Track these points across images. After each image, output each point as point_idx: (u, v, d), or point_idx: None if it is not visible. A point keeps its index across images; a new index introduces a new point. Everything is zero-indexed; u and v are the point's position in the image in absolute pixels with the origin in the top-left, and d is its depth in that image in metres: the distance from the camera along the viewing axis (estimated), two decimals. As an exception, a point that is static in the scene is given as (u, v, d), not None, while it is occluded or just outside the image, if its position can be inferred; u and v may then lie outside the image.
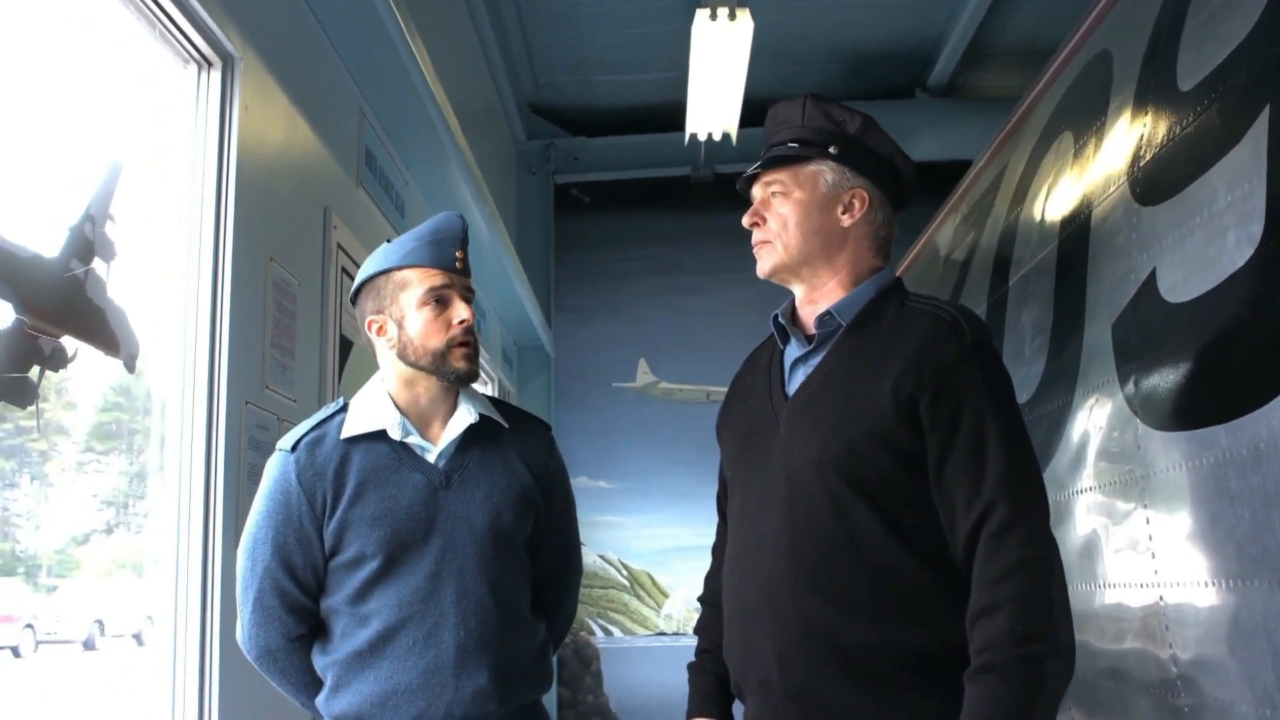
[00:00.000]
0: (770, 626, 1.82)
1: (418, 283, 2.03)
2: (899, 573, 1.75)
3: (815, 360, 1.90)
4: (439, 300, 2.03)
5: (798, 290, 1.98)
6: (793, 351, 1.95)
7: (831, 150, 1.91)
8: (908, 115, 7.53)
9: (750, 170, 1.98)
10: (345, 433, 2.04)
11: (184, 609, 2.58)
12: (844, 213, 1.91)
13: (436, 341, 2.02)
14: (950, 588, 1.74)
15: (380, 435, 2.04)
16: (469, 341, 2.05)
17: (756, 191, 1.98)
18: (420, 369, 2.04)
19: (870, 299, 1.90)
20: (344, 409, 2.10)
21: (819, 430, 1.82)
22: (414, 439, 2.05)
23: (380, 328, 2.07)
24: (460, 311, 2.04)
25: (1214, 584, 1.88)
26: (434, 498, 2.02)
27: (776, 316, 1.99)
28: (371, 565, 1.98)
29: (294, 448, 2.05)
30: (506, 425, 2.15)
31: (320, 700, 2.04)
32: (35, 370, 2.14)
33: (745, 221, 1.97)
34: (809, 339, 1.93)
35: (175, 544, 2.60)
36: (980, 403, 1.74)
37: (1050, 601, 1.66)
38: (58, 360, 2.20)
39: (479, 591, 2.00)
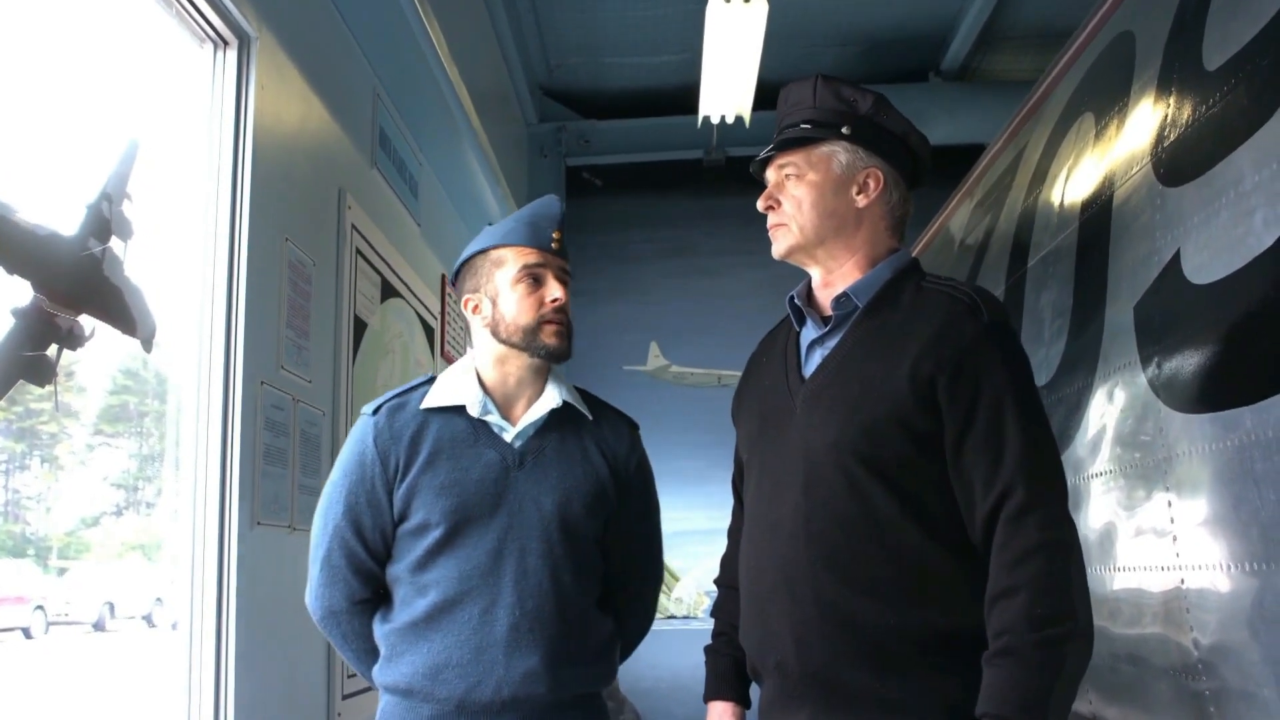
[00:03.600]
0: (788, 608, 1.82)
1: (513, 260, 2.04)
2: (917, 554, 1.75)
3: (832, 342, 1.89)
4: (533, 278, 2.04)
5: (814, 272, 1.97)
6: (809, 333, 1.94)
7: (844, 130, 1.90)
8: (921, 99, 7.49)
9: (763, 153, 1.97)
10: (426, 403, 2.06)
11: (200, 589, 2.59)
12: (859, 193, 1.90)
13: (528, 319, 2.03)
14: (969, 569, 1.74)
15: (461, 410, 2.05)
16: (561, 320, 2.06)
17: (770, 174, 1.97)
18: (512, 346, 2.05)
19: (887, 280, 1.89)
20: (430, 381, 2.12)
21: (836, 412, 1.81)
22: (493, 417, 2.05)
23: (476, 306, 2.08)
24: (554, 290, 2.04)
25: (1237, 567, 1.87)
26: (505, 476, 2.02)
27: (792, 298, 1.98)
28: (435, 534, 1.99)
29: (375, 411, 2.07)
30: (590, 416, 2.15)
31: (375, 670, 2.06)
32: (53, 349, 2.14)
33: (760, 205, 1.96)
34: (825, 320, 1.92)
35: (191, 524, 2.60)
36: (999, 384, 1.73)
37: (1069, 584, 1.65)
38: (75, 339, 2.20)
39: (539, 575, 2.00)
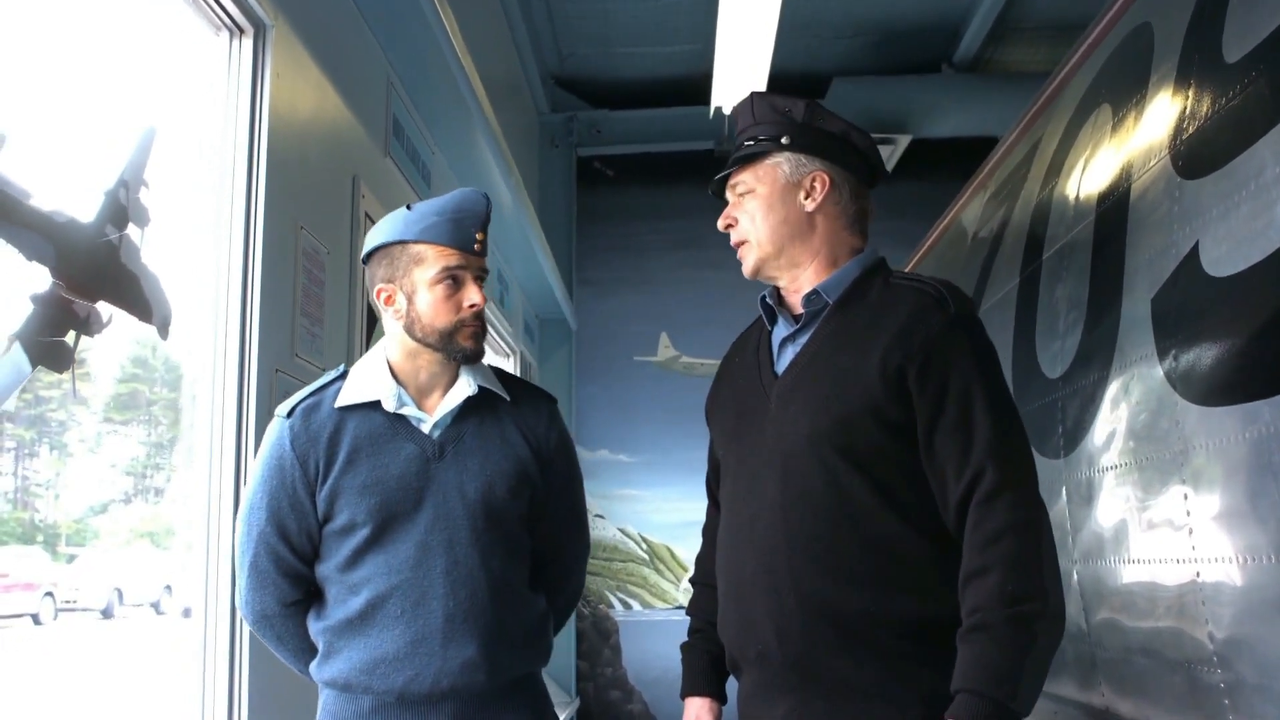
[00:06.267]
0: (768, 599, 1.86)
1: (433, 260, 2.01)
2: (895, 542, 1.80)
3: (803, 338, 1.96)
4: (452, 280, 2.02)
5: (782, 282, 2.03)
6: (780, 331, 2.01)
7: (784, 140, 1.97)
8: (934, 91, 7.48)
9: (717, 177, 2.05)
10: (340, 401, 2.04)
11: (214, 576, 2.59)
12: (806, 197, 1.97)
13: (444, 322, 2.02)
14: (945, 556, 1.79)
15: (376, 405, 2.04)
16: (477, 324, 2.05)
17: (728, 195, 2.05)
18: (426, 345, 2.04)
19: (855, 277, 1.96)
20: (343, 376, 2.10)
21: (811, 406, 1.87)
22: (409, 410, 2.04)
23: (389, 297, 2.05)
24: (472, 295, 2.03)
25: (1254, 560, 1.87)
26: (426, 468, 2.02)
27: (764, 297, 2.05)
28: (362, 533, 1.99)
29: (290, 414, 2.05)
30: (507, 398, 2.15)
31: (313, 667, 2.06)
32: (71, 335, 2.15)
33: (720, 225, 2.05)
34: (796, 318, 1.98)
35: (206, 511, 2.61)
36: (966, 372, 1.80)
37: (1040, 563, 1.71)
38: (93, 325, 2.21)
39: (470, 563, 2.00)
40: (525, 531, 2.13)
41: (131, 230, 2.33)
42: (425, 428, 2.05)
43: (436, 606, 1.98)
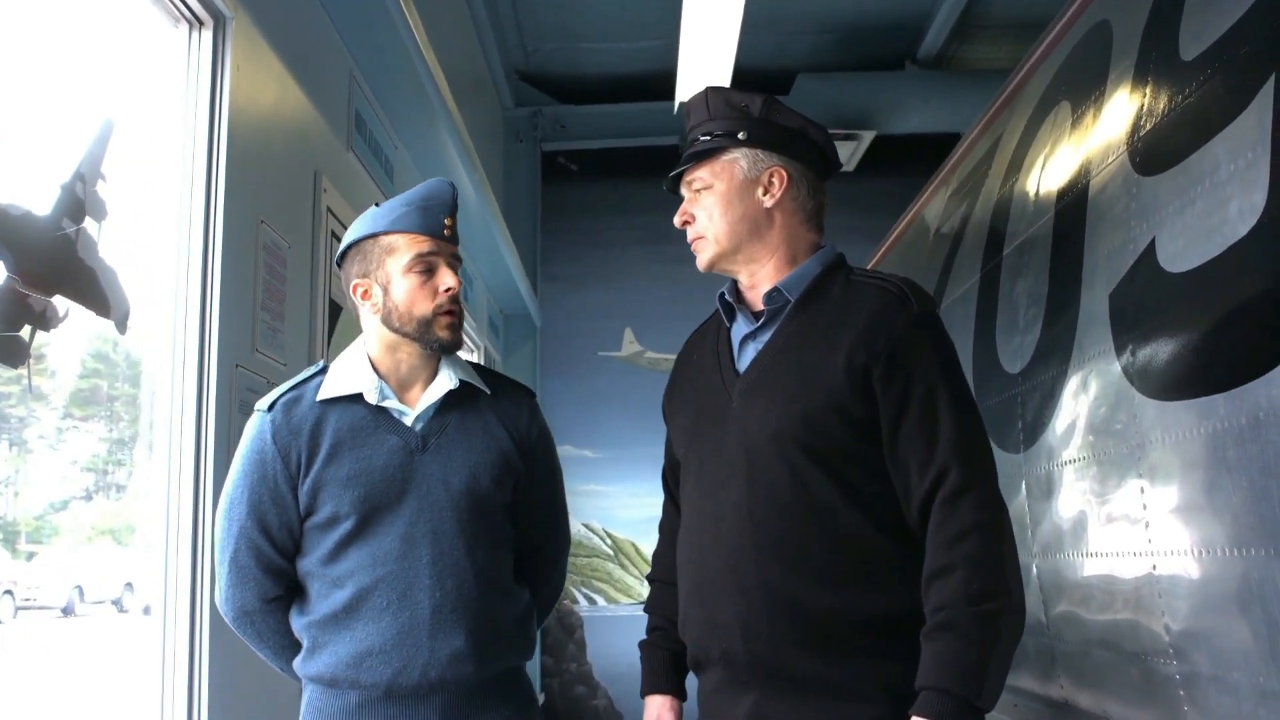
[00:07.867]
0: (734, 597, 1.87)
1: (405, 249, 2.02)
2: (859, 540, 1.82)
3: (765, 336, 1.96)
4: (426, 267, 2.02)
5: (740, 277, 2.03)
6: (741, 328, 2.01)
7: (740, 136, 1.96)
8: (897, 87, 7.51)
9: (672, 173, 2.05)
10: (322, 395, 2.04)
11: (174, 574, 2.57)
12: (765, 193, 1.97)
13: (422, 309, 2.02)
14: (908, 553, 1.81)
15: (358, 398, 2.04)
16: (454, 310, 2.05)
17: (684, 191, 2.04)
18: (404, 335, 2.04)
19: (817, 275, 1.96)
20: (324, 371, 2.10)
21: (775, 403, 1.87)
22: (391, 402, 2.05)
23: (365, 292, 2.06)
24: (447, 279, 2.04)
25: (1209, 553, 1.89)
26: (409, 460, 2.02)
27: (723, 294, 2.05)
28: (345, 526, 1.99)
29: (271, 408, 2.05)
30: (488, 391, 2.15)
31: (297, 662, 2.05)
32: (27, 330, 2.12)
33: (676, 221, 2.04)
34: (756, 315, 1.98)
35: (165, 508, 2.59)
36: (930, 371, 1.81)
37: (1003, 561, 1.74)
38: (49, 320, 2.18)
39: (455, 554, 2.01)
40: (509, 523, 2.14)
41: (89, 224, 2.31)
42: (408, 420, 2.05)
43: (423, 598, 1.98)
